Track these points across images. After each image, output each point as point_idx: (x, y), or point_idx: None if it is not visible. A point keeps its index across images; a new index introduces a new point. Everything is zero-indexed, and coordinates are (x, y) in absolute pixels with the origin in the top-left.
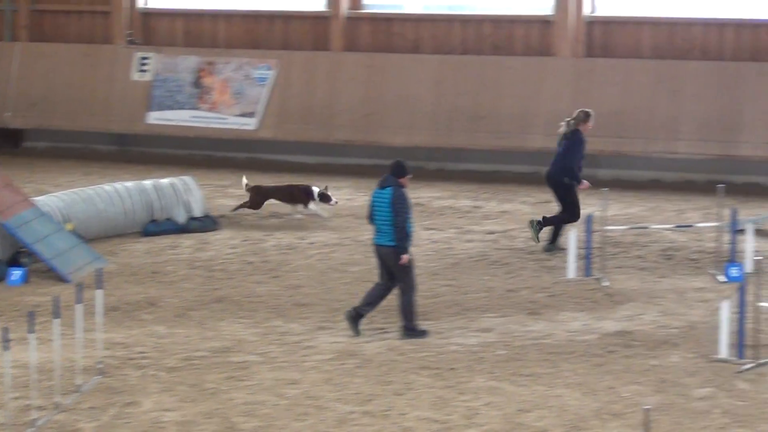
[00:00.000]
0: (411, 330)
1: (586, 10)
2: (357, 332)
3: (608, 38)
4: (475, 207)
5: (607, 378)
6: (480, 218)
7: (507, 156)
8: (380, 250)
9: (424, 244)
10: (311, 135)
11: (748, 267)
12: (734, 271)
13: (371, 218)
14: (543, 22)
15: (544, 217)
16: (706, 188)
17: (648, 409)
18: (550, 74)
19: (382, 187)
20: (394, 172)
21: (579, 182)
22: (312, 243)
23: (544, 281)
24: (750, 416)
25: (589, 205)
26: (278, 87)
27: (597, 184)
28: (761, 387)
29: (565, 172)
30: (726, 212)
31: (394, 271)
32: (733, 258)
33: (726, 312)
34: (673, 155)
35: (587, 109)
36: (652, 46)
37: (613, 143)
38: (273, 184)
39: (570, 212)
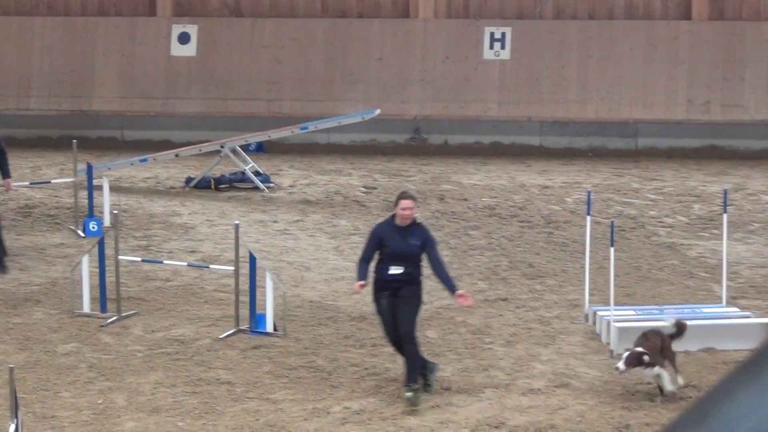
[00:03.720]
0: None
1: None
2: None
3: None
4: None
5: None
6: None
7: None
8: None
9: None
10: None
11: (107, 221)
12: (93, 226)
13: None
14: None
15: None
16: (60, 144)
17: (13, 368)
18: None
19: None
20: None
21: None
22: None
23: None
24: (115, 369)
25: None
26: None
27: None
28: (124, 340)
29: None
30: (81, 167)
31: None
32: (91, 213)
33: (87, 267)
34: (26, 112)
35: None
36: None
37: None
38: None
39: None
